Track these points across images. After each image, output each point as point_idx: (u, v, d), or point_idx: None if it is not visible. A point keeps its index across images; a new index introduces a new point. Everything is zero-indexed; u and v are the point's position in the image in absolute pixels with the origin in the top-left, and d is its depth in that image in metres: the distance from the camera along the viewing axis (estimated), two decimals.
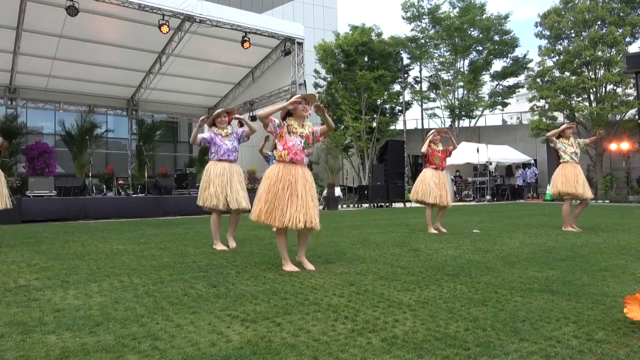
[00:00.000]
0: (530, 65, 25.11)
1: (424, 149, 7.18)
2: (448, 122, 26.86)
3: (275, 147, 7.60)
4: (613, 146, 20.38)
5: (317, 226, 3.91)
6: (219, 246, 5.46)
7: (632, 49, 21.04)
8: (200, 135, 5.46)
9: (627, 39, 21.13)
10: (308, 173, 4.06)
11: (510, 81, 26.60)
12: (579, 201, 7.20)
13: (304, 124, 4.10)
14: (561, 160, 7.15)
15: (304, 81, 14.91)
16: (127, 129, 19.05)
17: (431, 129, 8.13)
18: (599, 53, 20.37)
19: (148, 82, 16.81)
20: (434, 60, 26.48)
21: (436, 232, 6.97)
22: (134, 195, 13.82)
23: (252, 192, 5.45)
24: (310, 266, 4.05)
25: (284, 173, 3.93)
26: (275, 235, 4.13)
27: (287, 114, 4.08)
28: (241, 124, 6.75)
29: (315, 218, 3.90)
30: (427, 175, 7.14)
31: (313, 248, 5.23)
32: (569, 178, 6.92)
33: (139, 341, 2.22)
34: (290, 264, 4.05)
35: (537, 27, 23.16)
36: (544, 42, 23.11)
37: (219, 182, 5.29)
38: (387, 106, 25.24)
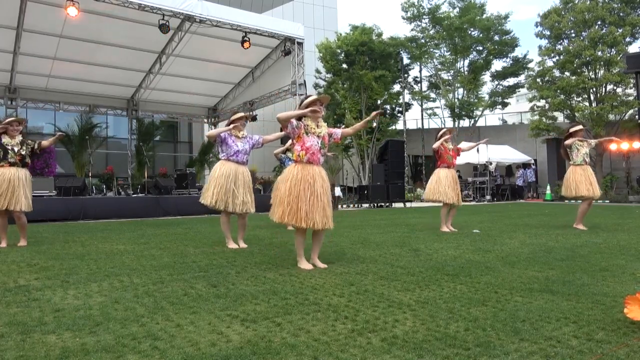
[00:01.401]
0: (530, 65, 25.14)
1: (435, 145, 7.22)
2: (448, 122, 26.86)
3: (288, 150, 7.65)
4: (613, 146, 20.37)
5: (331, 225, 4.04)
6: (231, 244, 5.49)
7: (632, 49, 21.05)
8: (217, 132, 5.51)
9: (627, 39, 21.12)
10: (324, 172, 4.14)
11: (511, 81, 26.63)
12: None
13: (319, 124, 4.17)
14: (571, 163, 7.16)
15: (304, 81, 14.91)
16: (127, 129, 19.05)
17: (432, 129, 8.17)
18: (599, 53, 20.37)
19: (148, 82, 16.81)
20: (434, 60, 26.49)
21: (449, 230, 7.02)
22: (134, 195, 13.82)
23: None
24: (322, 265, 4.15)
25: (303, 174, 3.99)
26: (294, 235, 4.20)
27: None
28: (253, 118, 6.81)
29: (330, 218, 4.03)
30: (442, 175, 7.19)
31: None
32: (581, 181, 6.95)
33: (139, 341, 2.22)
34: (306, 262, 4.12)
35: (537, 27, 23.18)
36: (544, 42, 23.14)
37: (224, 183, 5.29)
38: (388, 106, 25.24)
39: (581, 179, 6.96)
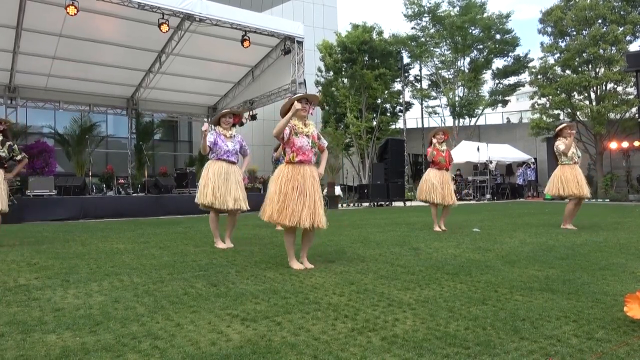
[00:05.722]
0: (531, 64, 25.13)
1: (429, 154, 7.20)
2: (449, 121, 26.85)
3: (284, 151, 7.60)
4: (613, 145, 20.36)
5: (324, 225, 4.00)
6: (220, 244, 5.48)
7: (633, 47, 21.04)
8: (207, 143, 5.36)
9: (628, 38, 21.09)
10: (315, 172, 4.12)
11: (512, 80, 26.60)
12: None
13: (306, 122, 4.16)
14: (560, 162, 7.13)
15: (304, 80, 14.90)
16: (127, 128, 19.04)
17: (432, 128, 8.11)
18: (600, 51, 20.35)
19: (148, 81, 16.80)
20: (435, 58, 26.47)
21: (440, 230, 7.02)
22: (134, 195, 13.81)
23: (251, 191, 5.45)
24: (309, 265, 4.11)
25: (293, 173, 3.99)
26: (284, 234, 4.20)
27: None
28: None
29: (322, 217, 4.00)
30: (431, 175, 7.20)
31: (313, 247, 5.21)
32: (569, 180, 6.93)
33: (139, 340, 2.22)
34: (297, 262, 4.11)
35: (540, 23, 23.10)
36: (546, 39, 23.11)
37: (216, 181, 5.28)
38: (388, 105, 25.23)
39: (570, 178, 6.93)
